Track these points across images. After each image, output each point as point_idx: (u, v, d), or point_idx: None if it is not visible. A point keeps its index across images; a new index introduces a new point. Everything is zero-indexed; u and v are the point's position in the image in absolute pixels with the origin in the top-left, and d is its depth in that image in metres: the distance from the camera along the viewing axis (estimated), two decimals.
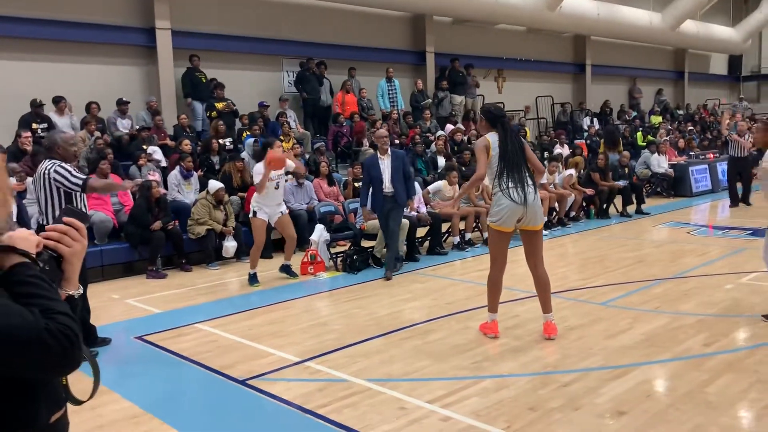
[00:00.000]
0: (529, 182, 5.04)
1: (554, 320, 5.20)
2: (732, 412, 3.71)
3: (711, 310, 5.76)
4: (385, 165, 7.51)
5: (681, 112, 22.67)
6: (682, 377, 4.21)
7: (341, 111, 13.05)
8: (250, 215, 7.46)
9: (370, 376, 4.44)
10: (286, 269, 7.70)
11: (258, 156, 7.85)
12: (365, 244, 8.34)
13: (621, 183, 12.31)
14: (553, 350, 4.87)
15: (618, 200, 12.22)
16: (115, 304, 6.88)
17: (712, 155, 16.66)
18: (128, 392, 4.28)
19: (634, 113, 20.62)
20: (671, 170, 14.80)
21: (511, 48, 18.03)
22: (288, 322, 5.96)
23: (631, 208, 12.16)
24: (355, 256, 8.06)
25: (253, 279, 7.46)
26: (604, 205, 11.99)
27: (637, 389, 4.06)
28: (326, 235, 8.23)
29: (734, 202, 12.62)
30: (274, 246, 9.05)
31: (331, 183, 10.29)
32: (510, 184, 4.98)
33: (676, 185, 14.83)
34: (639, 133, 18.08)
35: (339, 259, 8.25)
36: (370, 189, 7.62)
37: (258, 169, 7.26)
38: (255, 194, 7.45)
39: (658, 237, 10.16)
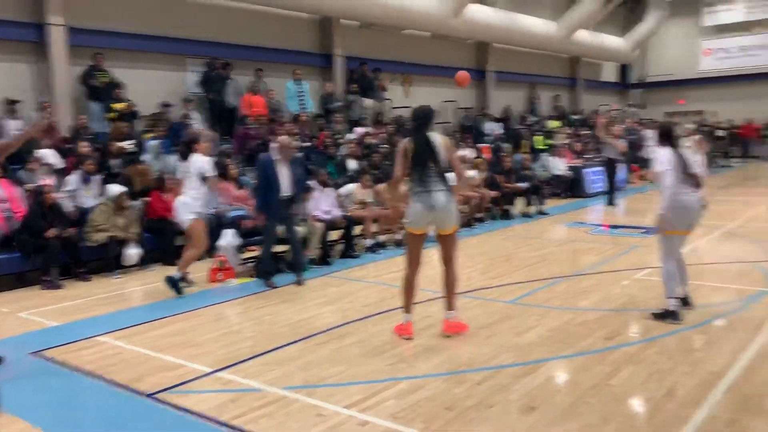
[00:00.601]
0: (440, 186, 5.12)
1: (453, 318, 5.32)
2: (634, 401, 3.93)
3: (610, 306, 6.09)
4: (283, 166, 7.30)
5: (576, 117, 23.86)
6: (588, 371, 4.42)
7: (248, 113, 12.79)
8: (191, 218, 6.94)
9: (285, 383, 4.37)
10: (180, 280, 7.37)
11: (184, 153, 7.35)
12: (277, 248, 8.19)
13: (523, 185, 12.80)
14: (466, 349, 4.98)
15: (520, 201, 12.72)
16: (7, 318, 6.39)
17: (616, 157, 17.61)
18: (25, 412, 3.98)
19: (534, 118, 21.52)
20: (569, 172, 15.57)
21: (418, 53, 18.32)
22: (197, 331, 5.76)
23: (533, 209, 12.67)
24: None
25: (176, 285, 6.98)
26: (507, 206, 12.42)
27: (547, 384, 4.23)
28: (236, 240, 8.03)
29: (611, 201, 13.56)
30: (176, 252, 8.74)
31: (239, 186, 10.05)
32: (420, 188, 5.11)
33: (573, 186, 15.61)
34: (538, 137, 18.89)
35: (250, 265, 8.07)
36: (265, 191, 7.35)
37: (201, 164, 6.87)
38: (197, 193, 6.92)
39: (558, 236, 10.65)
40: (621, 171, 14.99)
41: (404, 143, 5.26)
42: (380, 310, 6.14)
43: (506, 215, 12.35)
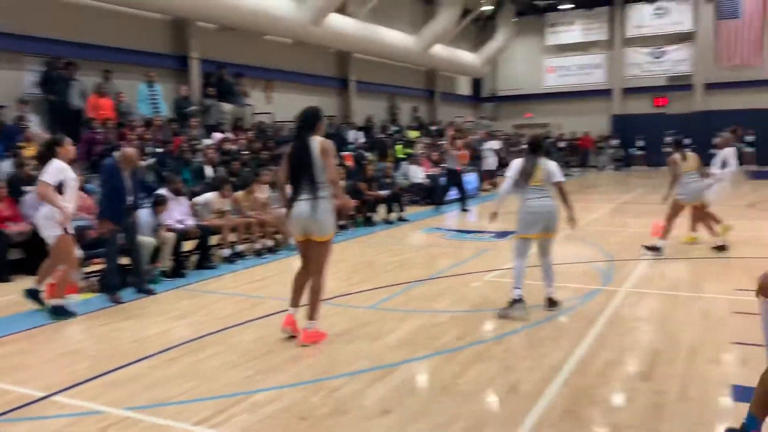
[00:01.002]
0: (310, 194, 5.08)
1: (312, 328, 5.27)
2: (481, 398, 4.10)
3: (462, 307, 6.35)
4: (127, 173, 6.97)
5: (434, 127, 24.79)
6: (439, 371, 4.56)
7: (95, 116, 11.96)
8: (59, 233, 6.21)
9: (129, 404, 4.08)
10: (36, 295, 6.70)
11: (43, 157, 6.45)
12: (123, 260, 7.70)
13: (384, 192, 13.06)
14: (324, 357, 4.95)
15: (382, 208, 12.98)
16: None
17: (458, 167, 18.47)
18: None
19: (395, 128, 22.08)
20: (428, 180, 16.12)
21: (279, 59, 18.15)
22: (32, 353, 5.25)
23: (394, 216, 12.97)
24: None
25: (65, 312, 6.29)
26: (370, 214, 12.62)
27: (401, 387, 4.30)
28: (78, 253, 7.43)
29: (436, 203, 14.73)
30: (13, 266, 7.99)
31: (84, 194, 9.35)
32: (294, 195, 5.17)
33: (430, 194, 16.18)
34: (398, 147, 19.40)
35: (93, 279, 7.52)
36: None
37: (60, 168, 6.16)
38: (57, 202, 6.15)
39: (417, 242, 10.97)
40: (467, 180, 16.19)
41: (287, 148, 5.32)
42: (238, 322, 5.95)
43: (369, 222, 12.54)
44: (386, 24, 21.19)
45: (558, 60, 30.68)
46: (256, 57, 17.24)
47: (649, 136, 28.23)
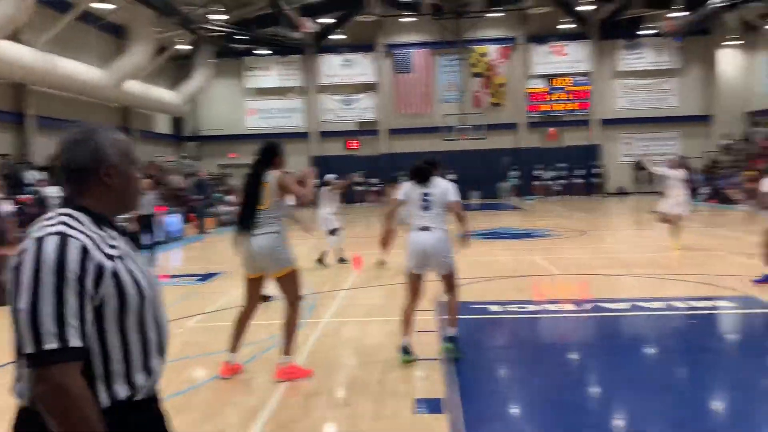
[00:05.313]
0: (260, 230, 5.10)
1: (288, 364, 5.16)
2: None
3: None
4: None
5: None
6: None
7: None
8: None
9: None
10: None
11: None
12: None
13: None
14: None
15: None
16: None
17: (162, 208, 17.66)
18: None
19: None
20: (125, 224, 15.03)
21: None
22: None
23: None
24: None
25: None
26: None
27: None
28: None
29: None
30: None
31: None
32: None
33: (134, 239, 15.09)
34: None
35: None
36: None
37: None
38: None
39: None
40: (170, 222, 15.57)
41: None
42: None
43: None
44: (71, 56, 19.45)
45: (258, 103, 31.56)
46: None
47: (344, 176, 30.51)
